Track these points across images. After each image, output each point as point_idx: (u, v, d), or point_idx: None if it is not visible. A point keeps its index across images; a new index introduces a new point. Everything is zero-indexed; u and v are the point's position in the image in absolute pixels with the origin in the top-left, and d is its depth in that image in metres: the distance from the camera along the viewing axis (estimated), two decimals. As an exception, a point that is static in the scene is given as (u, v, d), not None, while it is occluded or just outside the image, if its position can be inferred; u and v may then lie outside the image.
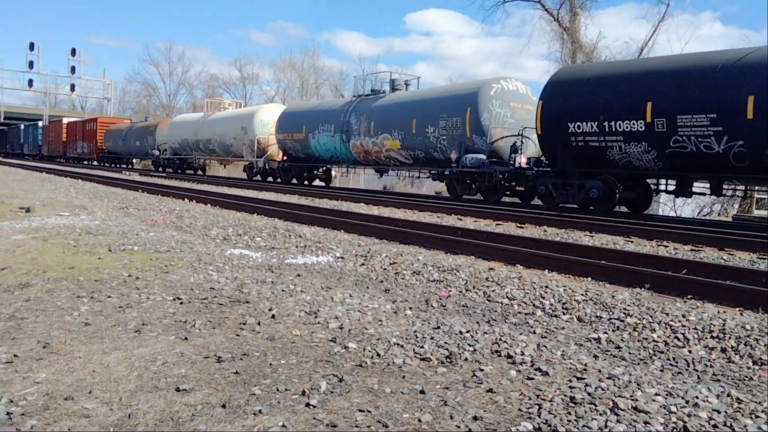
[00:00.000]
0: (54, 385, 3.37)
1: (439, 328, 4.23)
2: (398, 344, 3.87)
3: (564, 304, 5.33)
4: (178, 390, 3.20)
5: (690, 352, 4.18)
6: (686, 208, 24.47)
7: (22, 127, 67.51)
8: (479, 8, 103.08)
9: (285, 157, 26.51)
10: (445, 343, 3.90)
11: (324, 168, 26.29)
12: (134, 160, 47.73)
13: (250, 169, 29.06)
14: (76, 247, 7.55)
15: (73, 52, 66.70)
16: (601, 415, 2.84)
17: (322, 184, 27.33)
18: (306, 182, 26.41)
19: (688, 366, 3.84)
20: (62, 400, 3.16)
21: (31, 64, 64.16)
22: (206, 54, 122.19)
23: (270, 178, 28.48)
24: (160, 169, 37.87)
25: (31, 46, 64.24)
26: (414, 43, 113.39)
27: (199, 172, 36.49)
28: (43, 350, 3.95)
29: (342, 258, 7.50)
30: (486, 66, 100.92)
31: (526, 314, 5.11)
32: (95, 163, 49.30)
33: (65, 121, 55.01)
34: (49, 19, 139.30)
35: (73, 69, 66.56)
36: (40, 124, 60.90)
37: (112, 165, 45.71)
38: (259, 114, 28.65)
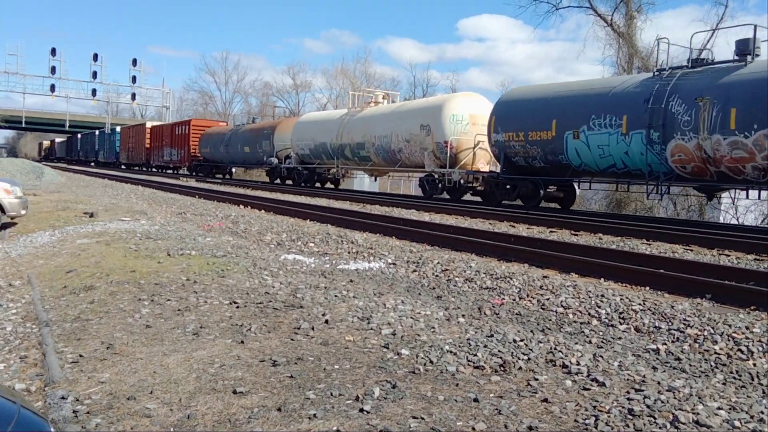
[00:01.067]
0: (117, 385, 3.49)
1: (492, 336, 4.21)
2: (451, 351, 3.86)
3: (621, 313, 5.22)
4: (235, 392, 3.27)
5: (754, 365, 4.03)
6: (749, 216, 23.59)
7: (96, 132, 66.51)
8: (533, 14, 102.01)
9: (491, 168, 19.21)
10: (499, 351, 3.87)
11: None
12: (233, 169, 41.13)
13: (431, 183, 20.44)
14: (137, 251, 7.79)
15: (135, 62, 69.02)
16: (660, 428, 2.77)
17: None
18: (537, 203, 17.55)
19: (752, 380, 3.71)
20: (125, 400, 3.27)
21: (94, 75, 66.65)
22: (261, 62, 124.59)
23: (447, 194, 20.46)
24: (277, 180, 30.72)
25: (95, 57, 66.83)
26: (466, 49, 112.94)
27: (328, 185, 28.57)
28: (106, 351, 4.10)
29: (394, 264, 7.53)
30: (540, 71, 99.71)
31: (581, 323, 5.03)
32: (184, 172, 42.74)
33: (149, 125, 50.07)
34: (112, 31, 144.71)
35: (134, 79, 68.82)
36: (118, 129, 57.80)
37: (209, 175, 38.18)
38: (449, 106, 19.91)
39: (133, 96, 69.82)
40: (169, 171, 46.11)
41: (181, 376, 3.55)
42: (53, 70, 63.99)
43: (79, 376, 3.70)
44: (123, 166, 55.05)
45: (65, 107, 73.69)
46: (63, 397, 3.35)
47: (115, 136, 57.83)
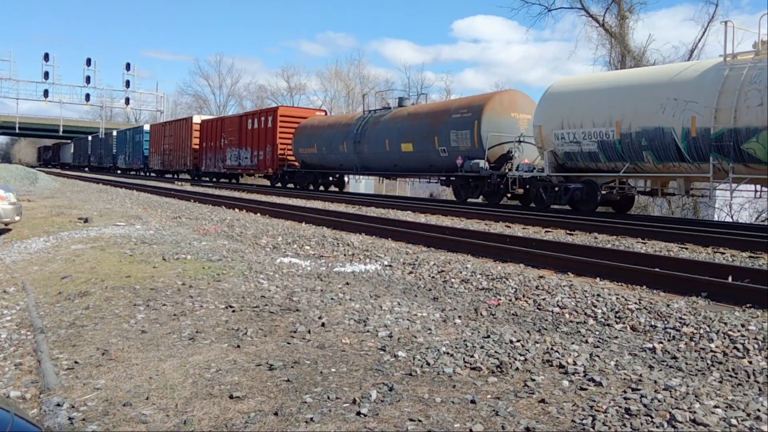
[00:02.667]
0: (113, 391, 3.48)
1: (489, 337, 4.20)
2: (448, 353, 3.86)
3: (617, 312, 5.22)
4: (231, 397, 3.26)
5: (750, 363, 4.03)
6: (743, 214, 23.67)
7: (114, 133, 57.47)
8: (525, 15, 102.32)
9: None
10: (496, 352, 3.86)
11: None
12: (362, 179, 30.45)
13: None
14: (132, 256, 7.77)
15: (128, 66, 68.86)
16: (657, 427, 2.77)
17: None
18: None
19: (749, 377, 3.71)
20: (121, 406, 3.25)
21: (88, 79, 66.44)
22: (257, 65, 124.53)
23: None
24: (507, 197, 18.61)
25: (88, 62, 66.52)
26: (462, 50, 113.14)
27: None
28: (102, 357, 4.08)
29: (390, 266, 7.52)
30: (535, 72, 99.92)
31: (577, 323, 5.03)
32: (266, 182, 31.34)
33: (199, 119, 38.52)
34: (106, 35, 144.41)
35: (128, 83, 68.67)
36: (147, 127, 48.20)
37: (308, 187, 26.52)
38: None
39: (127, 100, 69.67)
40: (227, 181, 34.67)
41: (177, 382, 3.54)
42: (46, 75, 63.84)
43: (75, 382, 3.68)
44: (152, 174, 45.95)
45: (59, 112, 73.17)
46: (58, 404, 3.33)
47: (142, 136, 47.88)
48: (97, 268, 7.13)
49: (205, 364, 3.80)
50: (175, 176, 43.61)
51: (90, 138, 67.39)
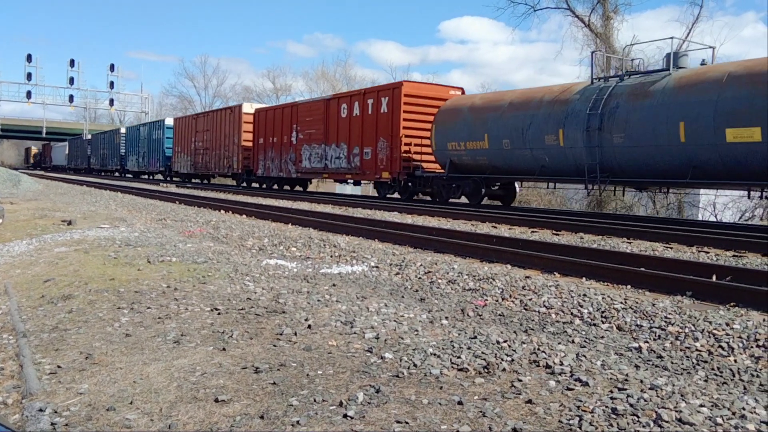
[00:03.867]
0: (96, 395, 3.43)
1: (475, 337, 4.20)
2: (435, 354, 3.84)
3: (603, 312, 5.24)
4: (217, 401, 3.23)
5: (735, 361, 4.06)
6: (726, 213, 23.90)
7: (122, 130, 49.98)
8: (511, 15, 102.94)
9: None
10: (483, 353, 3.86)
11: None
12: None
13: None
14: (117, 259, 7.70)
15: (112, 67, 68.25)
16: (644, 427, 2.78)
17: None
18: None
19: (734, 376, 3.74)
20: (104, 411, 3.21)
21: (71, 81, 65.76)
22: (244, 66, 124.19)
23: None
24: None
25: (72, 63, 65.87)
26: (449, 51, 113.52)
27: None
28: (85, 361, 4.03)
29: (377, 267, 7.51)
30: (521, 72, 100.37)
31: (564, 323, 5.04)
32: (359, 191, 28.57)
33: (249, 108, 29.67)
34: (90, 36, 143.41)
35: (111, 84, 68.07)
36: (170, 121, 39.70)
37: (472, 199, 18.04)
38: None
39: (111, 102, 69.03)
40: (301, 189, 27.90)
41: (162, 386, 3.50)
42: (29, 76, 63.11)
43: (58, 387, 3.63)
44: (175, 179, 38.85)
45: (42, 114, 72.18)
46: (41, 410, 3.28)
47: (163, 132, 39.69)
48: (80, 271, 7.06)
49: (190, 367, 3.77)
50: (205, 180, 36.35)
51: (90, 136, 60.18)
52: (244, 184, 30.88)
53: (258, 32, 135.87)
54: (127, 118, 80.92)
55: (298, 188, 29.08)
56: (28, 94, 63.21)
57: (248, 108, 30.21)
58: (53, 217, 13.72)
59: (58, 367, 3.97)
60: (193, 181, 37.39)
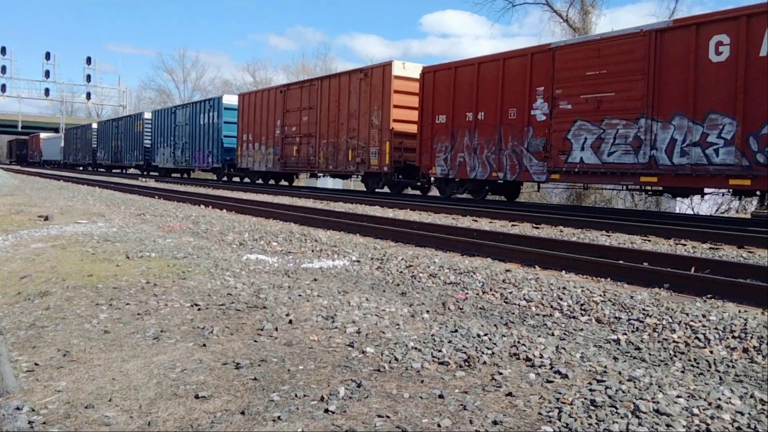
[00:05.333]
0: (74, 393, 3.40)
1: (456, 331, 4.22)
2: (416, 348, 3.86)
3: (582, 305, 5.29)
4: (197, 397, 3.21)
5: (711, 352, 4.13)
6: (703, 206, 24.21)
7: (148, 115, 39.69)
8: (490, 9, 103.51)
9: None
10: (463, 346, 3.88)
11: None
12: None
13: None
14: (95, 255, 7.61)
15: (89, 60, 67.53)
16: (622, 418, 2.81)
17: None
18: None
19: (710, 367, 3.80)
20: (83, 409, 3.18)
21: (47, 74, 64.94)
22: (225, 59, 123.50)
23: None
24: None
25: (47, 56, 65.08)
26: (431, 45, 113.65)
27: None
28: (63, 358, 3.98)
29: (358, 261, 7.50)
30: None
31: (544, 316, 5.08)
32: None
33: (404, 69, 19.19)
34: (67, 28, 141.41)
35: (88, 77, 67.33)
36: (230, 99, 29.78)
37: None
38: None
39: (88, 95, 68.26)
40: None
41: (141, 382, 3.47)
42: (3, 69, 62.22)
43: (35, 385, 3.59)
44: (242, 179, 30.13)
45: (17, 108, 71.03)
46: (18, 408, 3.24)
47: (218, 115, 29.54)
48: (57, 267, 6.97)
49: (170, 363, 3.74)
50: (277, 182, 27.93)
51: (95, 126, 50.09)
52: (394, 191, 21.24)
53: (239, 25, 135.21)
54: (104, 111, 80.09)
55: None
56: (3, 88, 62.30)
57: (402, 69, 19.09)
58: (29, 212, 13.53)
59: (36, 364, 3.92)
60: (277, 182, 28.39)
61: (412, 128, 18.93)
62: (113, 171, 45.69)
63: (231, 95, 31.45)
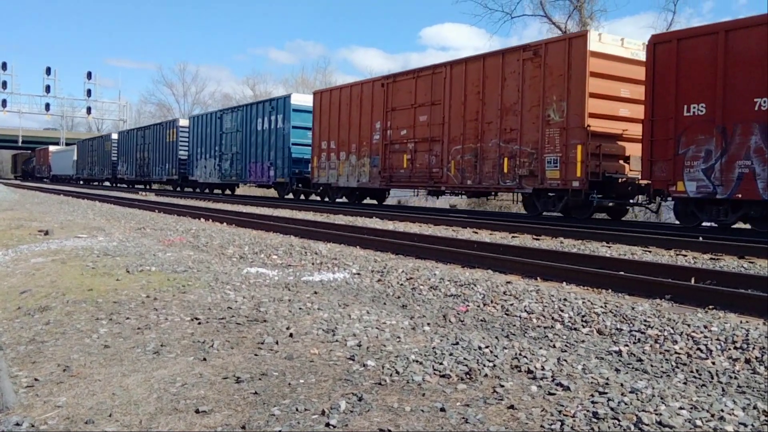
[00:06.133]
0: (74, 408, 3.38)
1: (457, 343, 4.20)
2: (417, 361, 3.84)
3: (583, 316, 5.28)
4: (197, 412, 3.20)
5: (713, 363, 4.11)
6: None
7: (183, 122, 34.62)
8: (488, 21, 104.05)
9: None
10: (465, 359, 3.86)
11: None
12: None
13: None
14: (95, 269, 7.60)
15: (89, 75, 67.92)
16: (624, 430, 2.80)
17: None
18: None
19: (712, 378, 3.78)
20: (83, 424, 3.17)
21: (48, 89, 65.25)
22: (225, 73, 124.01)
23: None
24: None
25: (48, 71, 65.35)
26: (431, 57, 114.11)
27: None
28: (63, 373, 3.97)
29: (358, 274, 7.50)
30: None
31: (545, 328, 5.07)
32: None
33: (595, 43, 13.62)
34: (67, 43, 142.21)
35: (89, 92, 67.66)
36: (301, 99, 25.08)
37: None
38: None
39: (89, 110, 68.57)
40: None
41: (142, 397, 3.46)
42: (4, 84, 62.51)
43: (35, 400, 3.57)
44: (325, 199, 23.28)
45: (18, 122, 71.15)
46: (17, 424, 3.23)
47: (285, 119, 24.43)
48: (57, 281, 6.96)
49: (170, 378, 3.73)
50: (358, 200, 22.73)
51: (116, 136, 44.67)
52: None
53: (239, 39, 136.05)
54: (104, 126, 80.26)
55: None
56: (4, 103, 62.56)
57: (600, 41, 13.98)
58: (30, 227, 13.53)
59: (36, 379, 3.91)
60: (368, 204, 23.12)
61: (614, 127, 14.19)
62: (135, 186, 40.39)
63: (301, 94, 26.14)
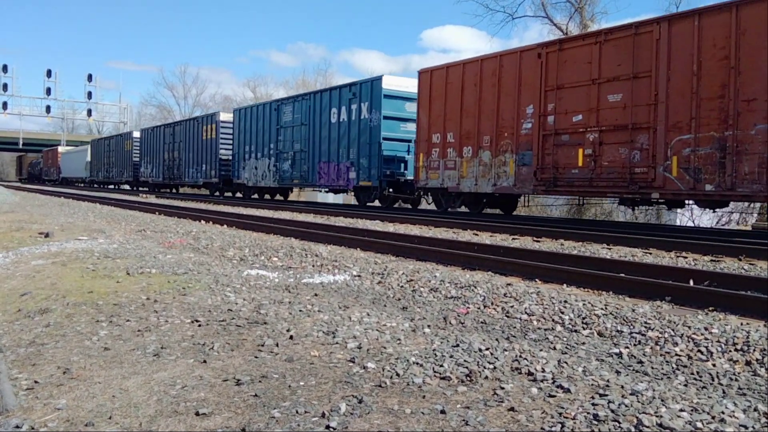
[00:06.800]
0: (74, 411, 3.38)
1: (458, 345, 4.20)
2: (417, 363, 3.84)
3: (584, 318, 5.27)
4: (197, 414, 3.20)
5: (714, 365, 4.11)
6: (704, 218, 24.19)
7: (222, 116, 29.66)
8: (489, 23, 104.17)
9: None
10: (465, 361, 3.86)
11: None
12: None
13: None
14: (95, 271, 7.60)
15: (90, 77, 68.06)
16: (625, 432, 2.79)
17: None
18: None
19: (713, 380, 3.78)
20: (83, 427, 3.16)
21: (48, 91, 65.33)
22: (226, 76, 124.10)
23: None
24: None
25: (48, 73, 65.44)
26: (432, 60, 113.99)
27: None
28: (63, 376, 3.97)
29: (359, 276, 7.49)
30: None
31: (545, 330, 5.06)
32: None
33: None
34: (69, 45, 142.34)
35: (90, 94, 67.77)
36: (394, 83, 19.97)
37: None
38: None
39: (89, 112, 68.64)
40: None
41: (142, 400, 3.45)
42: (5, 87, 62.60)
43: (35, 403, 3.57)
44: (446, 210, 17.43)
45: (18, 125, 71.15)
46: (17, 426, 3.22)
47: (363, 109, 20.20)
48: (58, 284, 6.96)
49: (171, 380, 3.73)
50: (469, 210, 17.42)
51: (137, 135, 39.80)
52: None
53: (241, 42, 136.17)
54: (105, 128, 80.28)
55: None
56: (4, 105, 62.65)
57: None
58: (30, 229, 13.53)
59: (36, 382, 3.91)
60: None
61: None
62: (161, 190, 36.05)
63: (394, 76, 20.51)
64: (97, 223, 15.26)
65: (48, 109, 66.04)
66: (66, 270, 7.85)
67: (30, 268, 8.26)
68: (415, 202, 20.79)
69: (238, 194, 30.94)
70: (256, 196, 28.51)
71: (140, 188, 39.93)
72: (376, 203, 21.30)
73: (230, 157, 29.18)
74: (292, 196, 31.23)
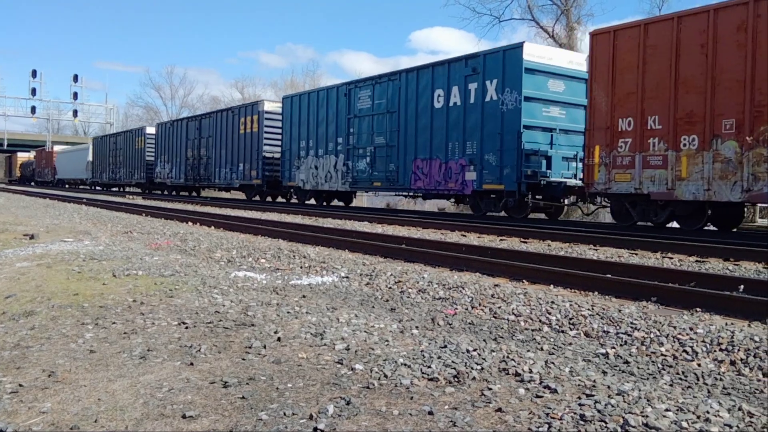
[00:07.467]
0: (59, 414, 3.35)
1: (446, 346, 4.21)
2: (405, 364, 3.84)
3: (571, 319, 5.30)
4: (184, 417, 3.18)
5: (699, 365, 4.14)
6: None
7: (267, 106, 24.94)
8: (476, 25, 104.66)
9: None
10: (453, 362, 3.87)
11: None
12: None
13: None
14: (81, 273, 7.55)
15: (75, 78, 67.63)
16: (611, 432, 2.81)
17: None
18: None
19: (698, 380, 3.81)
20: (68, 430, 3.14)
21: (33, 91, 64.80)
22: (214, 76, 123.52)
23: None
24: None
25: (34, 74, 64.89)
26: (420, 61, 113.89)
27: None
28: (48, 379, 3.93)
29: (347, 278, 7.49)
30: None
31: (532, 331, 5.08)
32: None
33: None
34: (54, 46, 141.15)
35: (75, 95, 67.28)
36: (538, 52, 15.23)
37: None
38: None
39: (75, 113, 68.11)
40: None
41: (128, 403, 3.43)
42: (-11, 87, 61.88)
43: (19, 407, 3.54)
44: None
45: (3, 125, 70.50)
46: (1, 430, 3.19)
47: (492, 90, 15.34)
48: (43, 286, 6.90)
49: (157, 383, 3.70)
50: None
51: (151, 131, 35.24)
52: None
53: (229, 43, 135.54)
54: (91, 129, 79.67)
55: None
56: (-11, 106, 61.96)
57: None
58: (15, 231, 13.41)
59: (20, 385, 3.87)
60: None
61: None
62: (180, 193, 31.50)
63: (537, 45, 16.99)
64: (83, 225, 15.15)
65: (33, 109, 65.47)
66: (51, 272, 7.78)
67: (14, 271, 8.19)
68: (558, 211, 16.67)
69: (289, 199, 25.89)
70: (312, 201, 23.55)
71: (151, 191, 36.13)
72: (502, 213, 16.57)
73: (277, 155, 24.32)
74: (356, 202, 26.43)
